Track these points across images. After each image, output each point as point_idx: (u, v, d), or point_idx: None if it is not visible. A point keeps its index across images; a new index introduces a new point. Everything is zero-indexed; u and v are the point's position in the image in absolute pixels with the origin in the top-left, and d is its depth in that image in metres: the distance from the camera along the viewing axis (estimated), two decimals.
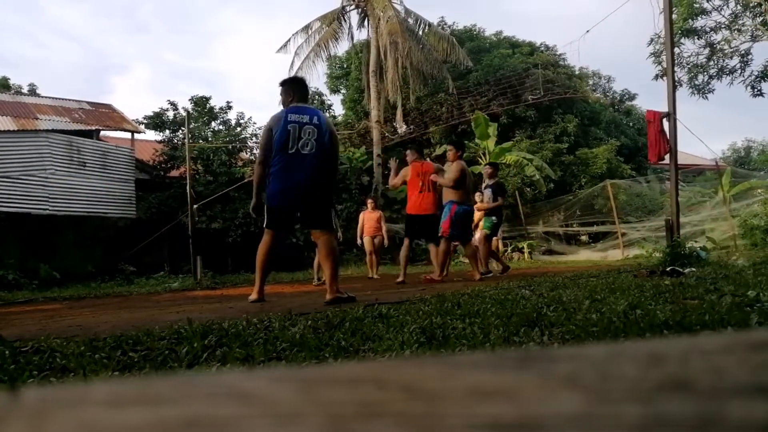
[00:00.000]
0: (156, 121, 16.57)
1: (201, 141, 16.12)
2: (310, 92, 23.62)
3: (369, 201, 9.97)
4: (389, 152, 19.08)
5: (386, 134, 17.80)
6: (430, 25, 18.79)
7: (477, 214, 8.38)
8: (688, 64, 14.09)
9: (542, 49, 24.52)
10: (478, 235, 8.22)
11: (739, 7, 13.35)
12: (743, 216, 13.58)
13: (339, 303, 3.86)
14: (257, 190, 4.44)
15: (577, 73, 23.67)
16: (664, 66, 11.13)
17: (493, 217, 8.31)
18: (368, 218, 9.60)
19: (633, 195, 19.30)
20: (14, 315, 4.91)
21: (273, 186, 4.26)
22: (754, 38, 13.42)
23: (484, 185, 8.72)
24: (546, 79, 17.05)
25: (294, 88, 4.47)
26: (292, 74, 18.06)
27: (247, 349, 1.86)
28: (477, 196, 8.56)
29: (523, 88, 15.77)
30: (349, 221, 14.45)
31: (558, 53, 22.99)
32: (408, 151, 7.16)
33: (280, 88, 4.52)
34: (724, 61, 13.83)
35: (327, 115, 4.69)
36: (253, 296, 4.42)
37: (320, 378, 0.31)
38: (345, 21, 18.44)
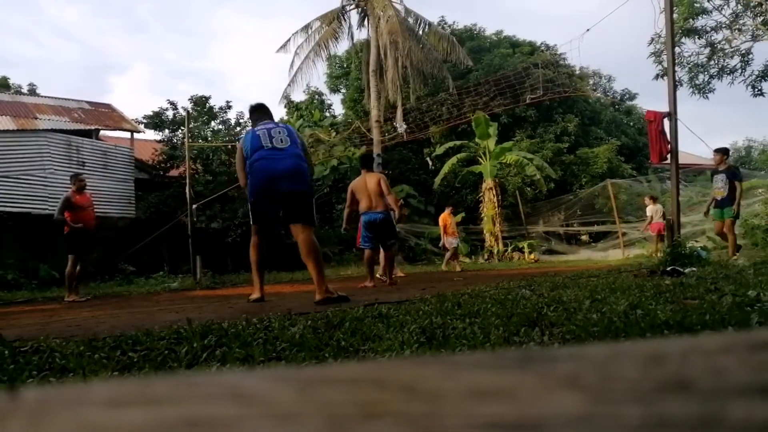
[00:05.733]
0: (155, 121, 16.57)
1: (200, 140, 16.12)
2: (311, 91, 23.70)
3: None
4: (389, 152, 19.08)
5: (386, 134, 17.80)
6: (430, 24, 18.79)
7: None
8: (688, 64, 14.07)
9: (543, 48, 24.53)
10: (726, 223, 8.26)
11: (739, 7, 13.34)
12: (744, 216, 13.58)
13: (330, 303, 3.76)
14: (242, 179, 4.60)
15: (577, 72, 23.67)
16: (665, 65, 11.12)
17: (733, 205, 8.23)
18: None
19: (634, 195, 19.30)
20: (14, 315, 4.91)
21: (251, 180, 4.31)
22: (754, 38, 13.41)
23: (717, 172, 8.55)
24: (546, 79, 17.05)
25: (258, 114, 4.66)
26: (292, 74, 18.08)
27: (246, 349, 1.86)
28: (719, 183, 8.42)
29: (523, 88, 15.78)
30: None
31: (558, 52, 23.00)
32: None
33: (250, 116, 4.81)
34: (724, 60, 13.82)
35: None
36: (255, 295, 4.40)
37: (320, 378, 0.31)
38: (345, 20, 18.43)
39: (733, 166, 8.70)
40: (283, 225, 4.41)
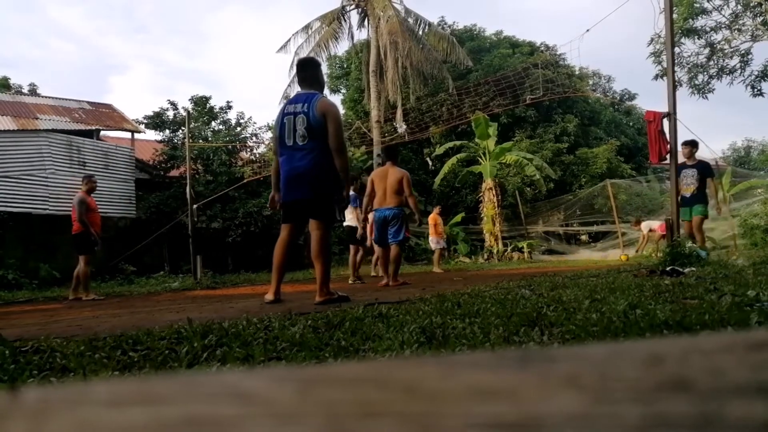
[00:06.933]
0: (156, 121, 16.57)
1: (201, 141, 16.12)
2: None
3: None
4: None
5: (386, 134, 17.80)
6: (430, 24, 18.79)
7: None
8: (688, 64, 14.09)
9: (542, 48, 24.55)
10: (694, 220, 7.78)
11: (739, 7, 13.35)
12: (743, 216, 13.59)
13: (330, 304, 3.75)
14: (273, 181, 4.44)
15: (577, 72, 23.69)
16: (665, 66, 11.13)
17: (702, 203, 7.82)
18: None
19: (633, 195, 19.32)
20: (14, 315, 4.91)
21: (281, 181, 4.27)
22: (754, 38, 13.42)
23: (686, 168, 7.97)
24: (546, 79, 17.07)
25: (298, 75, 4.41)
26: (293, 74, 18.02)
27: (247, 349, 1.86)
28: (682, 181, 7.85)
29: (522, 88, 15.80)
30: None
31: (558, 53, 23.03)
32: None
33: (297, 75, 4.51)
34: (724, 60, 13.83)
35: (327, 97, 4.55)
36: (269, 296, 4.25)
37: (320, 378, 0.31)
38: (345, 21, 18.44)
39: (704, 160, 8.16)
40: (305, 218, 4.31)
